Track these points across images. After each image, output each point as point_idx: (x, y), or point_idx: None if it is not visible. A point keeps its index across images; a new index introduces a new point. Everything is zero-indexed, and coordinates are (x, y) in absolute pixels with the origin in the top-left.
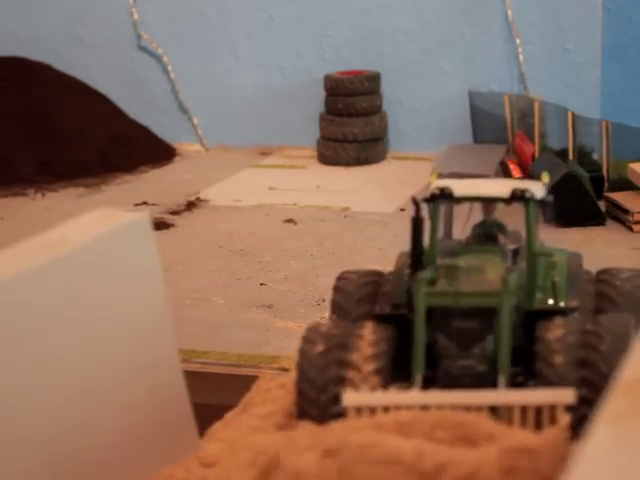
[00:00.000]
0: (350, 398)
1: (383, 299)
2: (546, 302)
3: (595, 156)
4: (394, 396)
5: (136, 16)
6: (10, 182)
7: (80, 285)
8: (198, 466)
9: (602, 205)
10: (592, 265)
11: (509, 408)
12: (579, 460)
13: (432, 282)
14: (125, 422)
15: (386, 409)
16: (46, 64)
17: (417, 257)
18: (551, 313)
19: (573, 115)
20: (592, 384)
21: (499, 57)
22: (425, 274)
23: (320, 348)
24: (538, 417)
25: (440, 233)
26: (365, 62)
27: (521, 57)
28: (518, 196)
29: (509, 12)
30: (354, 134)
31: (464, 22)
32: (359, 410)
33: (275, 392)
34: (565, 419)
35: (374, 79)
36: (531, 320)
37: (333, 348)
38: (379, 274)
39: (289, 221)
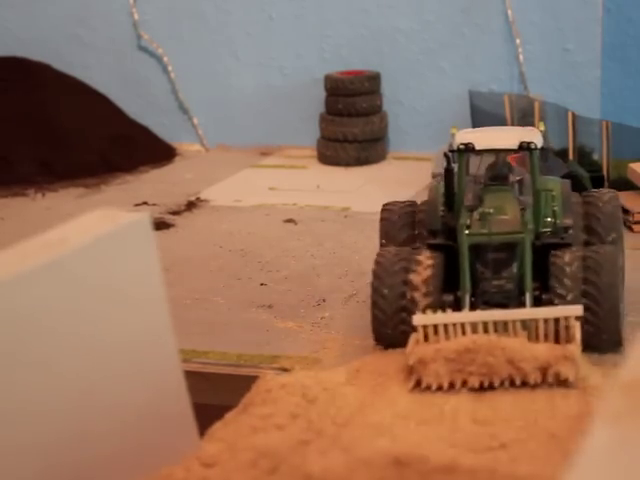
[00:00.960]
0: (418, 319)
1: (420, 226)
2: (551, 225)
3: (595, 156)
4: (450, 316)
5: (136, 16)
6: (10, 182)
7: (80, 285)
8: (198, 466)
9: None
10: None
11: (535, 320)
12: (579, 459)
13: (468, 226)
14: (125, 422)
15: (445, 327)
16: (46, 64)
17: (450, 199)
18: (560, 245)
19: (573, 115)
20: (591, 295)
21: (499, 57)
22: (463, 220)
23: (391, 268)
24: (556, 325)
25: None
26: (365, 62)
27: (521, 57)
28: (525, 147)
29: (509, 12)
30: (354, 134)
31: (464, 22)
32: (425, 327)
33: (276, 392)
34: (577, 327)
35: (374, 79)
36: (545, 248)
37: (400, 271)
38: (414, 204)
39: (289, 221)
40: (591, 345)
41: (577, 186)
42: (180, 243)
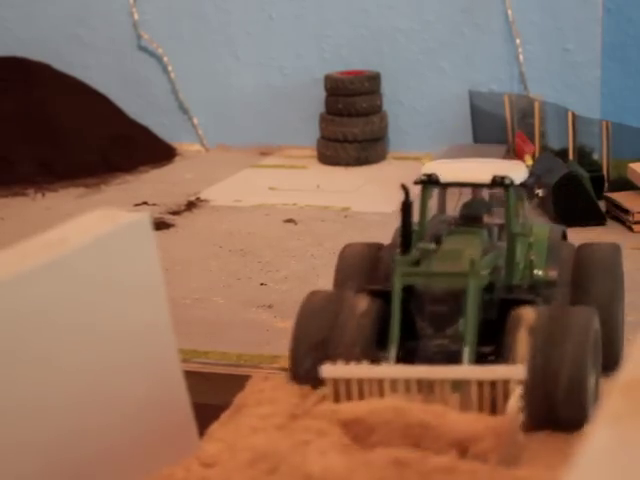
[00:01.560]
0: (328, 370)
1: (379, 271)
2: (526, 277)
3: (595, 156)
4: (366, 370)
5: (136, 16)
6: (10, 182)
7: (80, 285)
8: (198, 466)
9: (602, 205)
10: None
11: (467, 382)
12: (579, 460)
13: (415, 263)
14: (125, 422)
15: (360, 381)
16: (46, 64)
17: (406, 238)
18: (524, 301)
19: (573, 115)
20: (549, 368)
21: (499, 57)
22: (406, 257)
23: (315, 314)
24: (493, 390)
25: (431, 213)
26: (365, 62)
27: (521, 57)
28: (498, 182)
29: (509, 12)
30: (354, 134)
31: (464, 22)
32: (336, 381)
33: (269, 393)
34: (517, 393)
35: (374, 79)
36: (505, 305)
37: (326, 316)
38: (379, 247)
39: (289, 221)
40: (550, 421)
41: (577, 186)
42: (180, 243)
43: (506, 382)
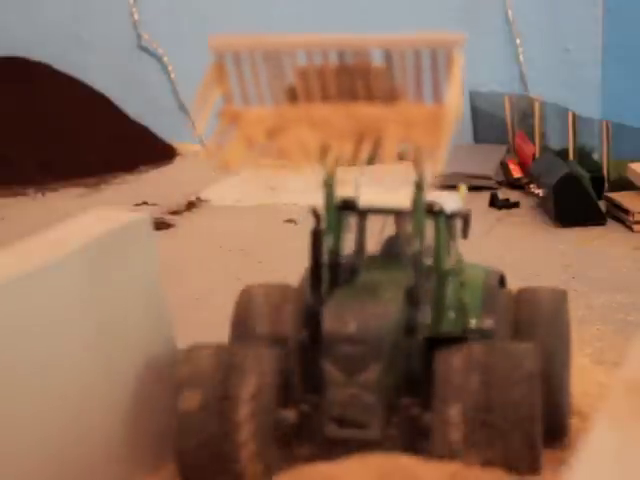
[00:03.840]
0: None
1: (286, 316)
2: (458, 323)
3: (595, 156)
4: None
5: (136, 16)
6: (10, 182)
7: (80, 285)
8: None
9: (602, 205)
10: (592, 265)
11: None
12: (580, 460)
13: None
14: (125, 421)
15: None
16: (46, 64)
17: (316, 273)
18: (452, 339)
19: (573, 115)
20: (493, 412)
21: (499, 57)
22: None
23: (198, 402)
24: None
25: (349, 246)
26: None
27: (521, 57)
28: (426, 209)
29: (509, 12)
30: None
31: (464, 22)
32: None
33: None
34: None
35: None
36: (431, 347)
37: (212, 399)
38: (285, 288)
39: (289, 221)
40: (496, 453)
41: (577, 186)
42: (180, 243)
43: (448, 48)
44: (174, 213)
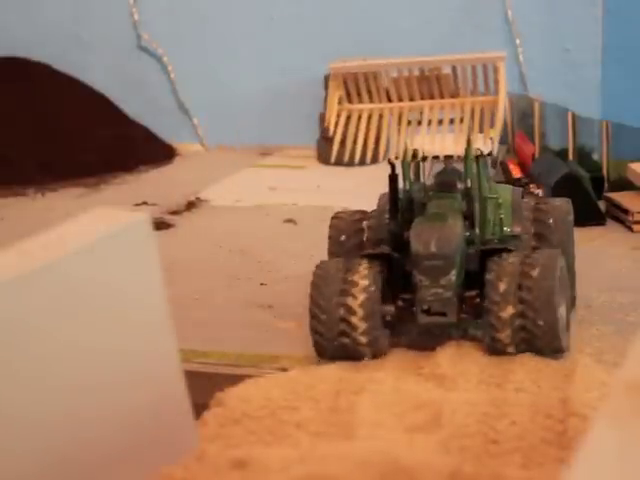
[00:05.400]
0: None
1: (368, 235)
2: (497, 233)
3: (595, 156)
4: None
5: (136, 16)
6: (10, 182)
7: (80, 285)
8: (197, 466)
9: (602, 205)
10: (592, 265)
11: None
12: (581, 460)
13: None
14: (125, 422)
15: None
16: (46, 64)
17: (394, 206)
18: (499, 250)
19: (573, 115)
20: (526, 301)
21: None
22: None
23: (328, 282)
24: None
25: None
26: None
27: (521, 57)
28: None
29: (509, 12)
30: None
31: (464, 22)
32: None
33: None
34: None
35: None
36: (485, 255)
37: (337, 281)
38: (365, 213)
39: (289, 221)
40: (529, 350)
41: (577, 186)
42: (180, 243)
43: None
44: (174, 213)
